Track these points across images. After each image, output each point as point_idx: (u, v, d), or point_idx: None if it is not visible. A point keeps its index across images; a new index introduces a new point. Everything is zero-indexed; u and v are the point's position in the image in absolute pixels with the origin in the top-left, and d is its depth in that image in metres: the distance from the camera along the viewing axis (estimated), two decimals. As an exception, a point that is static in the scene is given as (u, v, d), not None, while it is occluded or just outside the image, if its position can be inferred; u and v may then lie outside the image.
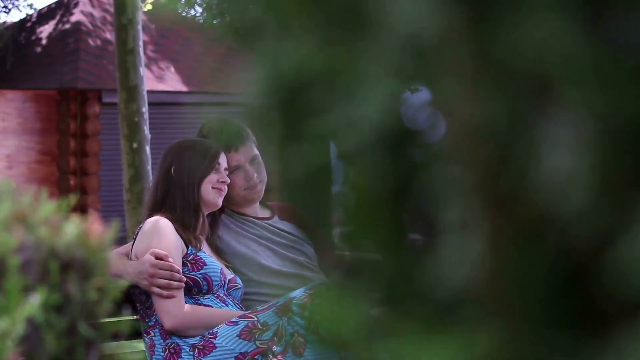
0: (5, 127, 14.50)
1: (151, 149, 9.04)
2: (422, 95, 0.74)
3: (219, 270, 3.52)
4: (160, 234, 3.47)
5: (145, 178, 8.83)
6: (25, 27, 15.57)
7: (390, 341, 0.74)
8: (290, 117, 0.79)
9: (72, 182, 14.72)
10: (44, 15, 15.66)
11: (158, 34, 15.88)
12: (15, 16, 43.55)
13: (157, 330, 3.49)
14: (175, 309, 3.44)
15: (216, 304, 3.50)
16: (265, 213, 3.86)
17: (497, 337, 0.69)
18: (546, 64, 0.65)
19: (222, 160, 3.65)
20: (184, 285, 3.45)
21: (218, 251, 3.68)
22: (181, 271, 3.46)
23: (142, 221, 3.61)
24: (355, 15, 0.73)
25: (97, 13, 15.52)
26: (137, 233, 3.54)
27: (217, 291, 3.52)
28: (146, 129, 8.99)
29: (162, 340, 3.48)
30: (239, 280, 3.61)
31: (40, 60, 14.92)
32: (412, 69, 0.71)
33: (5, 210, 1.64)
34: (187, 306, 3.46)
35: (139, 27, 9.01)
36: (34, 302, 1.57)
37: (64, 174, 14.82)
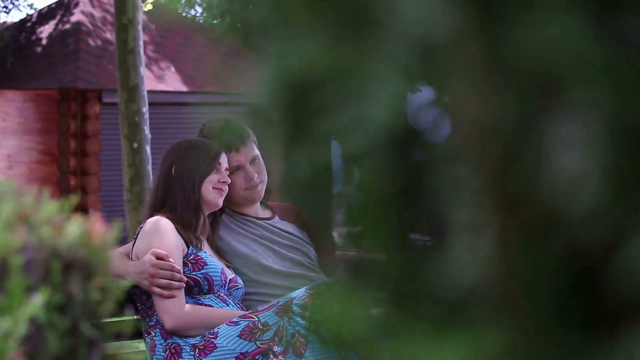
0: (5, 127, 14.49)
1: (151, 149, 9.04)
2: (430, 95, 0.74)
3: (219, 270, 3.52)
4: (161, 234, 3.47)
5: (146, 178, 8.82)
6: (26, 27, 15.57)
7: (397, 341, 0.74)
8: (298, 117, 0.79)
9: (72, 182, 14.72)
10: (44, 15, 15.66)
11: (158, 34, 15.88)
12: (15, 16, 43.60)
13: (158, 330, 3.48)
14: (175, 309, 3.43)
15: (217, 304, 3.50)
16: (266, 213, 3.86)
17: (506, 338, 0.69)
18: (556, 64, 0.65)
19: (223, 160, 3.65)
20: (184, 285, 3.45)
21: (219, 251, 3.68)
22: (182, 271, 3.46)
23: (142, 221, 3.60)
24: (363, 15, 0.73)
25: (97, 13, 15.52)
26: (138, 233, 3.54)
27: (218, 291, 3.52)
28: (146, 129, 8.98)
29: (162, 340, 3.47)
30: (239, 280, 3.60)
31: (41, 60, 14.92)
32: (421, 69, 0.71)
33: (7, 211, 1.64)
34: (187, 306, 3.46)
35: (140, 27, 9.00)
36: (37, 302, 1.57)
37: (65, 174, 14.82)
